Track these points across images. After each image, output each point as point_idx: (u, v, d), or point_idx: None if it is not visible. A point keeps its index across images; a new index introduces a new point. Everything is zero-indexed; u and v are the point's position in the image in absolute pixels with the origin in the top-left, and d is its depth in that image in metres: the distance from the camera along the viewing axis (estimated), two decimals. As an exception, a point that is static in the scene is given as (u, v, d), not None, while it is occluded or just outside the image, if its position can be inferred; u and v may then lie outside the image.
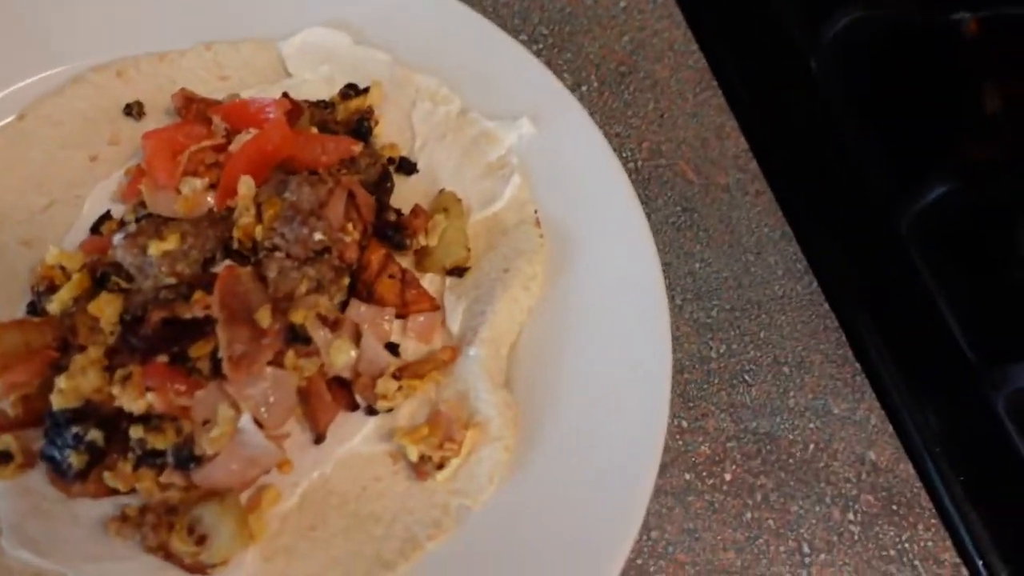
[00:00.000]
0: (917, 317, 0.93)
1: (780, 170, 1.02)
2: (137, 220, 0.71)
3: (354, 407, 0.72)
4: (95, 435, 0.61)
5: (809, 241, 0.97)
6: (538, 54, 1.04)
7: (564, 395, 0.73)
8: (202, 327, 0.66)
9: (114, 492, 0.64)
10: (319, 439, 0.70)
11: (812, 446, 0.86)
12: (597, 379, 0.74)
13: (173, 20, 0.85)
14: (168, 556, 0.62)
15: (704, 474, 0.82)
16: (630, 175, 0.97)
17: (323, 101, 0.83)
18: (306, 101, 0.82)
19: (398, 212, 0.80)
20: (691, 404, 0.86)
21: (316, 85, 0.86)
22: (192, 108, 0.79)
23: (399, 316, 0.76)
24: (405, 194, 0.83)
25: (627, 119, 1.03)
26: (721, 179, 1.01)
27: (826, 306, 0.94)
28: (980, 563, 0.81)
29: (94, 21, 0.83)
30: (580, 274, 0.79)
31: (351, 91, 0.83)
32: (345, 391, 0.72)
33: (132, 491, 0.64)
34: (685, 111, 1.05)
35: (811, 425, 0.87)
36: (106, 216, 0.75)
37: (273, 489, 0.67)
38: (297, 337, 0.69)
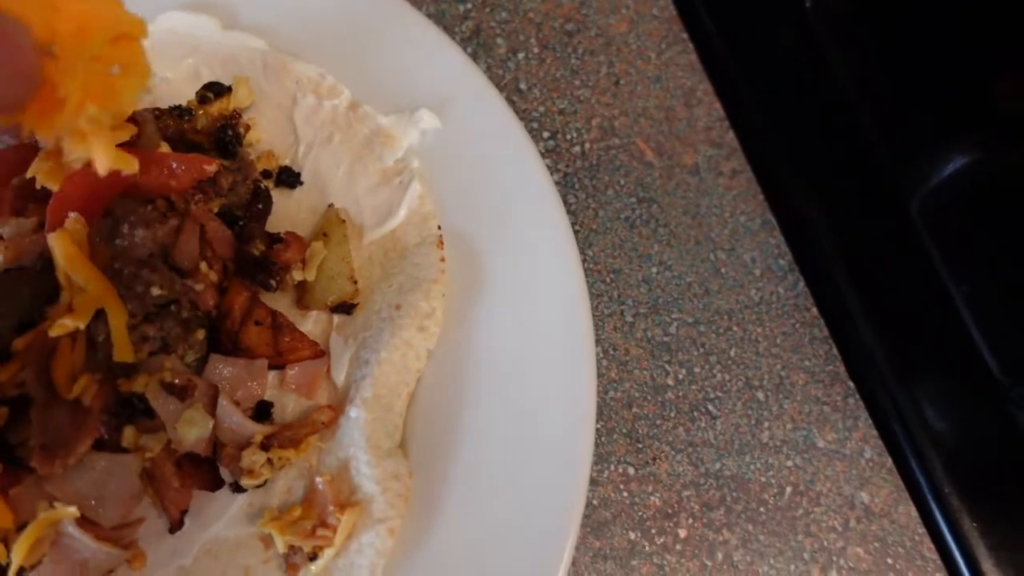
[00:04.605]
0: (928, 322, 0.77)
1: (762, 142, 0.84)
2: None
3: (217, 484, 0.61)
4: None
5: (795, 231, 0.80)
6: (466, 16, 0.87)
7: (467, 457, 0.62)
8: (21, 405, 0.56)
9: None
10: (174, 527, 0.60)
11: (789, 489, 0.72)
12: (507, 434, 0.62)
13: None
14: None
15: (653, 532, 0.69)
16: (575, 160, 0.82)
17: (178, 107, 0.69)
18: (156, 109, 0.68)
19: (274, 239, 0.67)
20: (640, 446, 0.72)
21: (179, 85, 0.72)
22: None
23: (276, 366, 0.64)
24: (290, 212, 0.70)
25: (574, 90, 0.86)
26: (688, 159, 0.83)
27: (814, 311, 0.78)
28: (994, 629, 0.67)
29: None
30: (488, 306, 0.65)
31: (210, 93, 0.69)
32: (204, 468, 0.61)
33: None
34: (646, 75, 0.87)
35: (789, 463, 0.73)
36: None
37: (123, 589, 0.58)
38: (135, 410, 0.58)
